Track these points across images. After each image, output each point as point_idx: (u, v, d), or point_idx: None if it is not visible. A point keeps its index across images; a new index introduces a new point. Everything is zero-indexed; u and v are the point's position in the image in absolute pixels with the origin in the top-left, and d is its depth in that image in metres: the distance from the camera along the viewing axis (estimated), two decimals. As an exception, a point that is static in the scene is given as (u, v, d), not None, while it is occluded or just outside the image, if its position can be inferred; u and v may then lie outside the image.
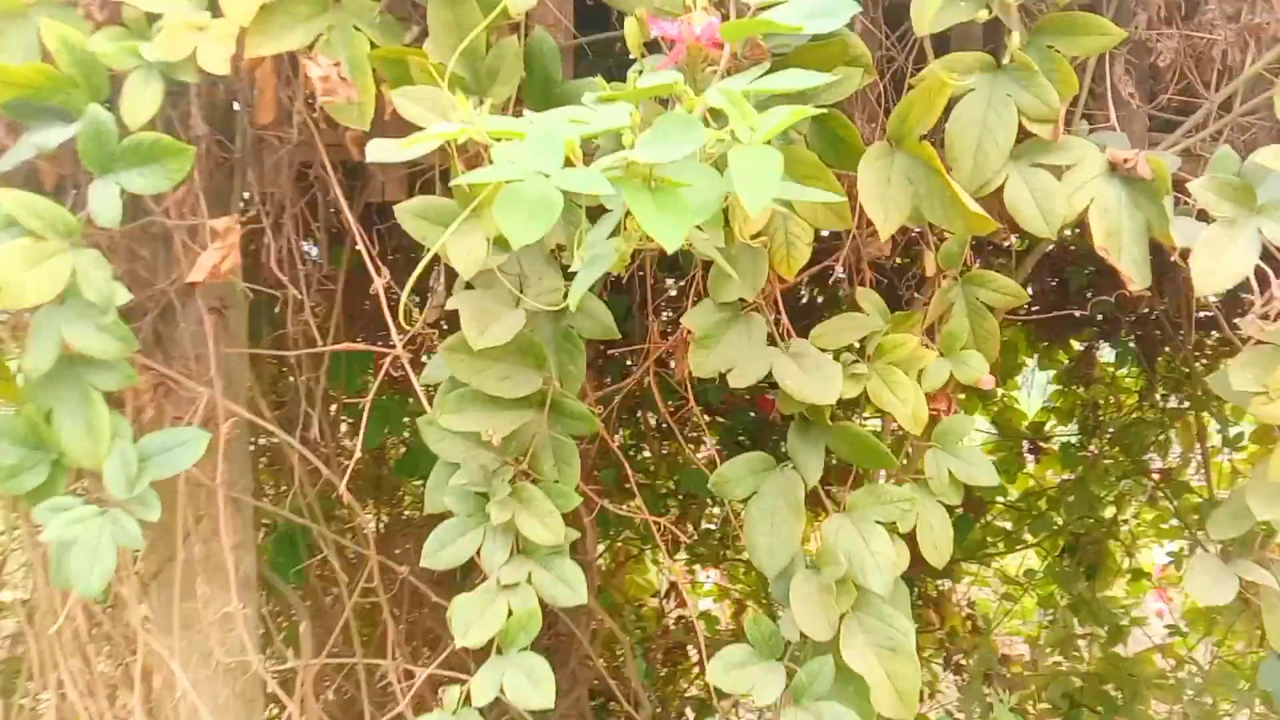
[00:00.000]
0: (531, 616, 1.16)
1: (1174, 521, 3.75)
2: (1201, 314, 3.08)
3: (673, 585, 4.29)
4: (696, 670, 4.06)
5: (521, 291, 1.24)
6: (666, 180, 0.79)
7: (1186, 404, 3.54)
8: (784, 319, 1.25)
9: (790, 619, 1.19)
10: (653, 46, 1.25)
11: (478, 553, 1.21)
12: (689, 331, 1.34)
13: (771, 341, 1.24)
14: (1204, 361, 3.48)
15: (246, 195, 1.49)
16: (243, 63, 1.22)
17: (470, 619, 1.16)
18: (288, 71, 1.32)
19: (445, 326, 1.43)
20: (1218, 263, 1.06)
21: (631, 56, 1.10)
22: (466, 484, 1.21)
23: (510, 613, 1.16)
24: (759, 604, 4.11)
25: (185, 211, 1.35)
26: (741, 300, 1.25)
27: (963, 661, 3.89)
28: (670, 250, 0.75)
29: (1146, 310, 3.24)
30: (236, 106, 1.39)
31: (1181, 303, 2.87)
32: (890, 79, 1.33)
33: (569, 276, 1.29)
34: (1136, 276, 1.12)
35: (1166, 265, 1.25)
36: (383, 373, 1.36)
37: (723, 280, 1.24)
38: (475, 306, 1.16)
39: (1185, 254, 1.11)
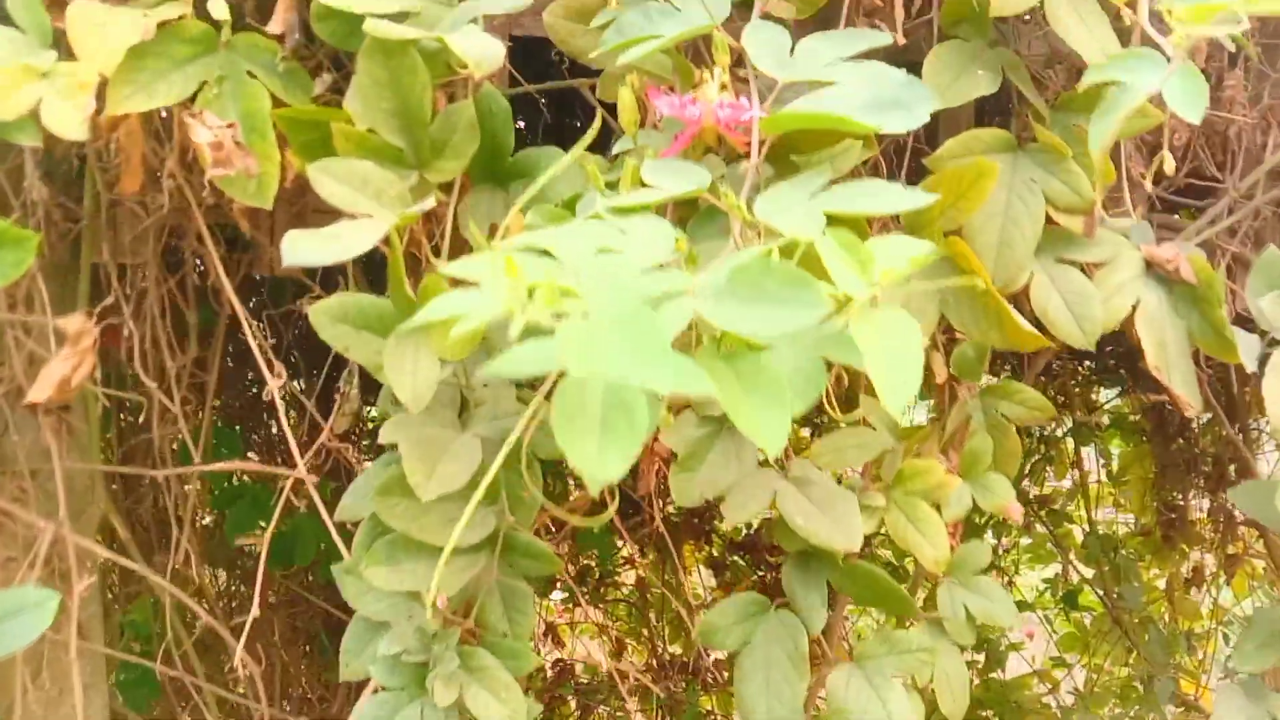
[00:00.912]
0: (495, 826, 0.93)
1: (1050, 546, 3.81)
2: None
3: (550, 627, 4.08)
4: (576, 717, 3.86)
5: (464, 409, 1.01)
6: (739, 341, 0.59)
7: (1061, 432, 3.58)
8: (780, 436, 1.06)
9: (796, 795, 1.01)
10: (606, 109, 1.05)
11: None
12: (655, 440, 1.13)
13: (764, 461, 1.05)
14: (1079, 389, 3.53)
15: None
16: (101, 118, 0.94)
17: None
18: (156, 125, 1.05)
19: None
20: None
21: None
22: (400, 653, 0.97)
23: (466, 822, 0.93)
24: (639, 643, 3.95)
25: (18, 300, 1.06)
26: (727, 412, 1.05)
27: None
28: (772, 456, 0.55)
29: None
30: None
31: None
32: (886, 152, 1.16)
33: (521, 386, 1.06)
34: (1191, 398, 0.98)
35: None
36: (282, 498, 1.10)
37: (707, 390, 1.03)
38: (417, 438, 0.93)
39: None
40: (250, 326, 1.11)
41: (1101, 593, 3.46)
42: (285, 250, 0.83)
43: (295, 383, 2.08)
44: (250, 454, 2.11)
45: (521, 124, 1.77)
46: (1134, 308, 1.02)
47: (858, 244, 0.58)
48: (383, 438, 0.93)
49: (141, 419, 1.15)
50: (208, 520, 2.09)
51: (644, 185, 0.81)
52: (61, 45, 0.91)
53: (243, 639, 1.05)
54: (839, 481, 1.04)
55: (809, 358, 0.60)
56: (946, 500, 1.04)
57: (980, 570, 1.09)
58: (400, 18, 0.91)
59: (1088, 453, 3.65)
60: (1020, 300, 1.06)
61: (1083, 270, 1.06)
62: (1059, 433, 3.56)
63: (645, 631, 3.88)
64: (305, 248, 0.83)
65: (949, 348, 1.11)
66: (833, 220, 0.67)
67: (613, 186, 0.89)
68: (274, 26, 0.97)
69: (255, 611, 1.02)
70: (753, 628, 1.06)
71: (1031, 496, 3.68)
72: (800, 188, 0.73)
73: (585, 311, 0.50)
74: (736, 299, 0.56)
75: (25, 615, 0.94)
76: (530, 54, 1.20)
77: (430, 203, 0.87)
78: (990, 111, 1.25)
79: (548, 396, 0.98)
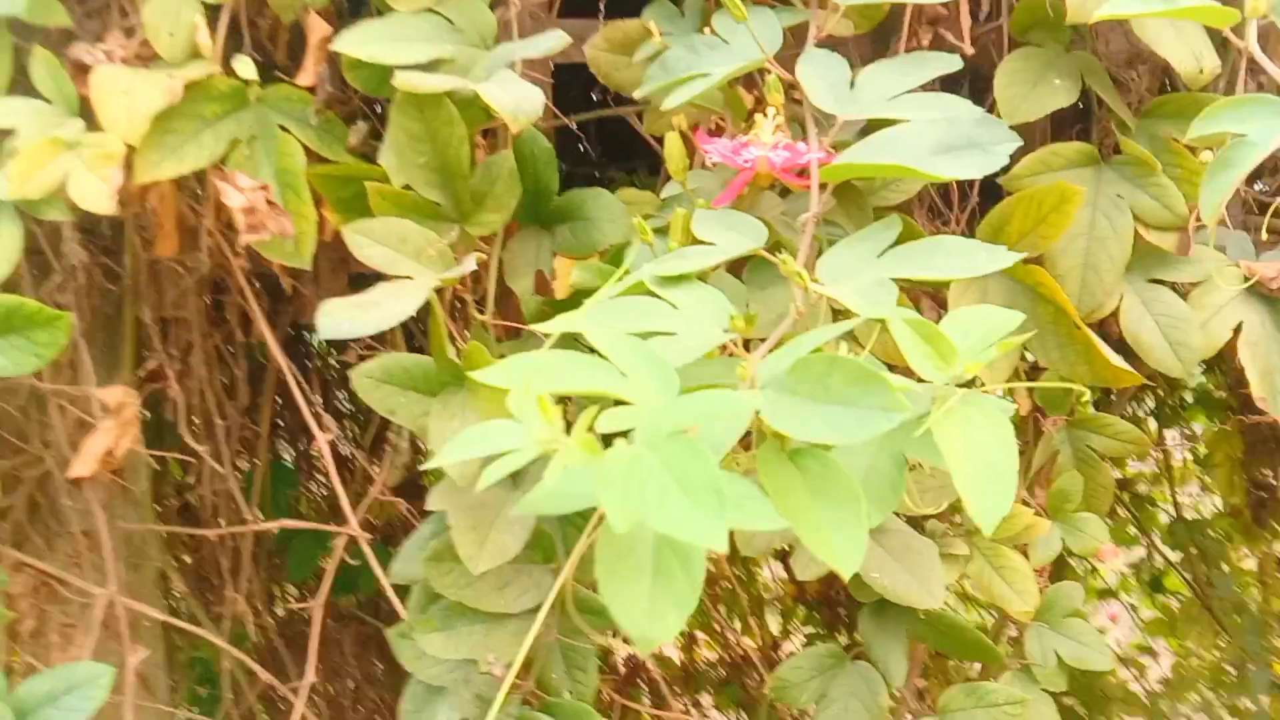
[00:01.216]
0: None
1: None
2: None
3: (619, 624, 4.06)
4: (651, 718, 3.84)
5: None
6: (800, 444, 0.53)
7: (1143, 412, 3.45)
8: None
9: None
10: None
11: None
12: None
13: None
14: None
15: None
16: (131, 184, 0.91)
17: None
18: (191, 182, 1.02)
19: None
20: None
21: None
22: (461, 722, 0.94)
23: None
24: (711, 635, 3.92)
25: (62, 364, 1.04)
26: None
27: (923, 686, 3.76)
28: (847, 578, 0.49)
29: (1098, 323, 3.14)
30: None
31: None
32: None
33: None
34: (1302, 431, 0.90)
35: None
36: (336, 560, 1.07)
37: (772, 434, 0.98)
38: (467, 505, 0.88)
39: None
40: (296, 381, 1.08)
41: (1190, 576, 3.34)
42: (322, 324, 0.79)
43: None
44: (312, 482, 2.10)
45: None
46: (1235, 331, 0.94)
47: (946, 341, 0.51)
48: (430, 504, 0.89)
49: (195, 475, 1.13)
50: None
51: (694, 239, 0.75)
52: (88, 111, 0.88)
53: (302, 698, 1.03)
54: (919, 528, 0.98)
55: (886, 456, 0.54)
56: (1034, 544, 0.97)
57: (1071, 612, 1.02)
58: (433, 66, 0.87)
59: (1171, 430, 3.52)
60: (1108, 324, 0.99)
61: (1176, 291, 0.98)
62: (1140, 413, 3.43)
63: (716, 626, 3.83)
64: (344, 320, 0.79)
65: (1032, 377, 1.03)
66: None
67: (662, 233, 0.83)
68: (304, 79, 0.93)
69: (311, 676, 0.99)
70: (829, 681, 1.00)
71: (1114, 479, 3.56)
72: (867, 243, 0.66)
73: (628, 427, 0.45)
74: (798, 397, 0.50)
75: (79, 692, 0.93)
76: (572, 77, 1.14)
77: (471, 264, 0.82)
78: (1067, 115, 1.16)
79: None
